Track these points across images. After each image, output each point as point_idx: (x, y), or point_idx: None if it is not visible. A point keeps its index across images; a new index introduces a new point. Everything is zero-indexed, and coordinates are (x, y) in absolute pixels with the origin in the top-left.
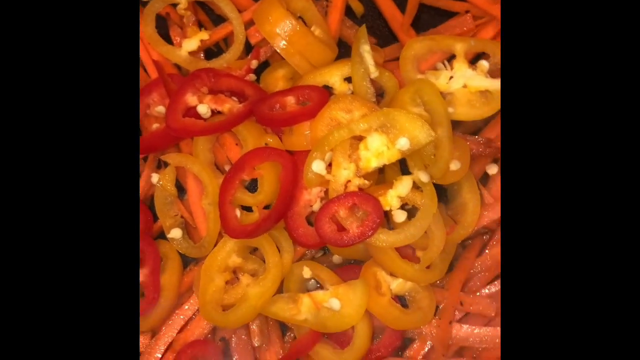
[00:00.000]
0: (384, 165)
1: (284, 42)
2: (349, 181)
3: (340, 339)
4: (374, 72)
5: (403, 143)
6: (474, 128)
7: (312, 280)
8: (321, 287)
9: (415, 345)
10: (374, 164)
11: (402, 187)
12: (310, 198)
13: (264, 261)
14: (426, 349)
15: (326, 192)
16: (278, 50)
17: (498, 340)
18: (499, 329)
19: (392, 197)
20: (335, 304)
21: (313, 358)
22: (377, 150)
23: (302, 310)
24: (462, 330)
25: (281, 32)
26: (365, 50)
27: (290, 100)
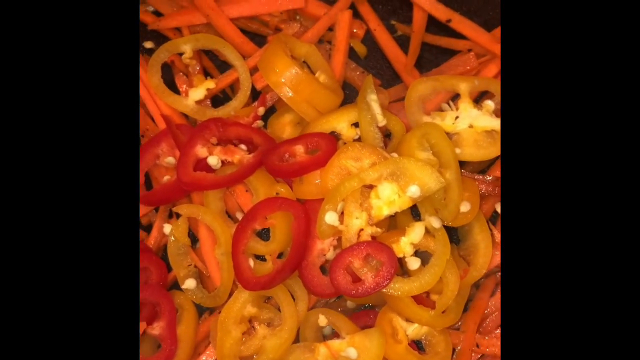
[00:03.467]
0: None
1: (290, 91)
2: (362, 230)
3: None
4: (381, 121)
5: (414, 190)
6: (480, 167)
7: (328, 326)
8: (337, 334)
9: None
10: (386, 212)
11: (415, 234)
12: (324, 247)
13: (279, 309)
14: None
15: (339, 239)
16: (284, 99)
17: None
18: None
19: (405, 245)
20: (352, 353)
21: None
22: (388, 199)
23: (318, 359)
24: None
25: (287, 81)
26: (372, 100)
27: (300, 149)
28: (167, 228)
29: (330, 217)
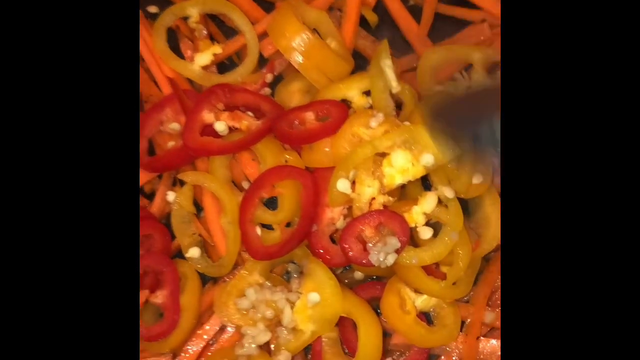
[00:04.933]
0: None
1: (300, 56)
2: (374, 198)
3: None
4: (395, 87)
5: (428, 159)
6: None
7: None
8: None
9: None
10: (399, 180)
11: (428, 203)
12: (334, 216)
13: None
14: None
15: (349, 209)
16: (295, 65)
17: None
18: None
19: (418, 214)
20: (314, 297)
21: None
22: (401, 167)
23: (304, 330)
24: (489, 345)
25: (297, 46)
26: (387, 65)
27: (310, 116)
28: (171, 195)
29: (342, 185)
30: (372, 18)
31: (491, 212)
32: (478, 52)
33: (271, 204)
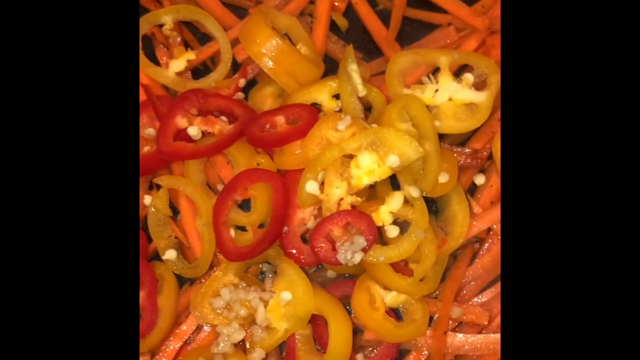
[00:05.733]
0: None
1: (271, 62)
2: (342, 199)
3: None
4: (362, 91)
5: (393, 160)
6: (460, 139)
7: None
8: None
9: (411, 357)
10: (366, 181)
11: (394, 203)
12: (304, 216)
13: (258, 277)
14: (423, 359)
15: (320, 209)
16: (265, 70)
17: (492, 347)
18: (492, 335)
19: (385, 213)
20: (287, 295)
21: None
22: (368, 168)
23: (277, 328)
24: (457, 339)
25: (268, 52)
26: (353, 70)
27: (280, 119)
28: (148, 199)
29: (311, 186)
30: (342, 23)
31: (458, 211)
32: (445, 55)
33: (247, 205)
